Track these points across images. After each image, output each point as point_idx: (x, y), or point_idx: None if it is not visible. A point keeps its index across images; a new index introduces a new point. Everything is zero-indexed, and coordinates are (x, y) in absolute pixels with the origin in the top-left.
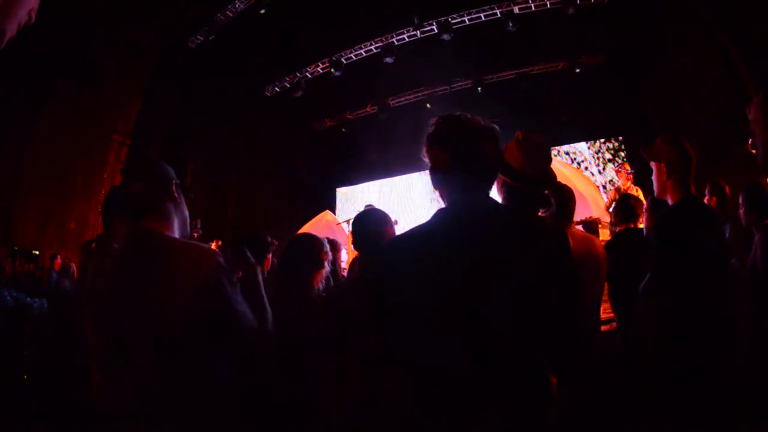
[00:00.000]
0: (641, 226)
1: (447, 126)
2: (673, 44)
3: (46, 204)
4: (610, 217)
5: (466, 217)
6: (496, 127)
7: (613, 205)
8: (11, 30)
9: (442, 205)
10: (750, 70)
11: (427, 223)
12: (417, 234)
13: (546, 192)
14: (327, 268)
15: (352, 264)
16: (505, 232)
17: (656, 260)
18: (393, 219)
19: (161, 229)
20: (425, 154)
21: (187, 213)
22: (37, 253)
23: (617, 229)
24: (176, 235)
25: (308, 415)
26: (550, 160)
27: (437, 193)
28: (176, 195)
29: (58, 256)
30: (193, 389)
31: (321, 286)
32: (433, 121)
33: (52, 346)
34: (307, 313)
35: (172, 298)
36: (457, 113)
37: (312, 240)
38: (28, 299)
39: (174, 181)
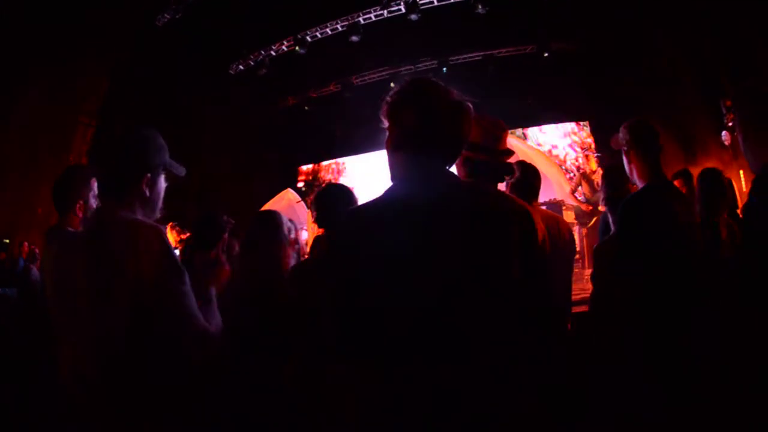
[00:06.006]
0: None
1: (419, 90)
2: (646, 34)
3: (17, 191)
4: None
5: (426, 192)
6: (470, 105)
7: (580, 187)
8: None
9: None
10: (723, 60)
11: (379, 198)
12: (369, 209)
13: (508, 161)
14: (295, 246)
15: (315, 242)
16: (468, 208)
17: (617, 252)
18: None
19: (119, 210)
20: (385, 116)
21: (157, 204)
22: (8, 241)
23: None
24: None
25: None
26: (507, 132)
27: (388, 164)
28: (144, 189)
29: (25, 243)
30: (130, 380)
31: (292, 263)
32: (402, 82)
33: (22, 335)
34: (280, 292)
35: (106, 281)
36: (431, 78)
37: (275, 216)
38: None
39: (147, 174)
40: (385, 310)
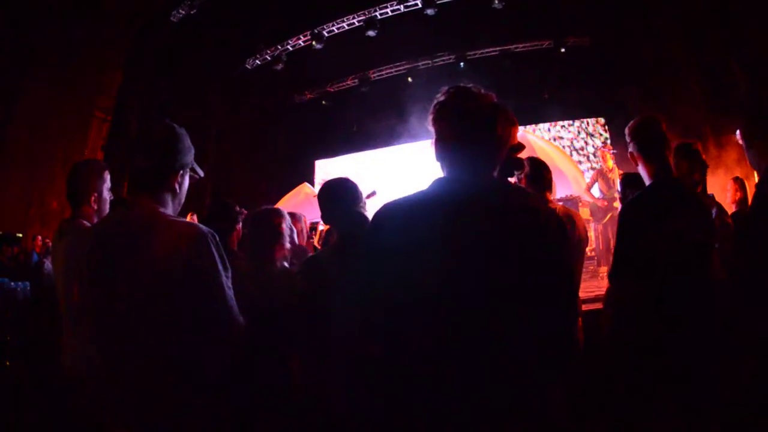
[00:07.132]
0: None
1: (458, 98)
2: (659, 29)
3: (28, 185)
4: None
5: (466, 189)
6: (505, 107)
7: (597, 184)
8: None
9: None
10: (735, 57)
11: (423, 191)
12: (411, 201)
13: (518, 156)
14: (287, 240)
15: (326, 235)
16: (507, 207)
17: (615, 250)
18: (371, 190)
19: (156, 206)
20: (431, 124)
21: (182, 201)
22: (21, 235)
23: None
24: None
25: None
26: (517, 127)
27: (439, 166)
28: (175, 186)
29: (38, 237)
30: (161, 371)
31: (286, 259)
32: (443, 90)
33: (34, 329)
34: (271, 288)
35: (150, 275)
36: (470, 86)
37: (269, 213)
38: (12, 283)
39: (180, 172)
40: (412, 302)
